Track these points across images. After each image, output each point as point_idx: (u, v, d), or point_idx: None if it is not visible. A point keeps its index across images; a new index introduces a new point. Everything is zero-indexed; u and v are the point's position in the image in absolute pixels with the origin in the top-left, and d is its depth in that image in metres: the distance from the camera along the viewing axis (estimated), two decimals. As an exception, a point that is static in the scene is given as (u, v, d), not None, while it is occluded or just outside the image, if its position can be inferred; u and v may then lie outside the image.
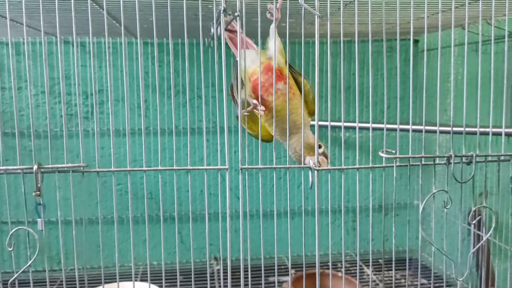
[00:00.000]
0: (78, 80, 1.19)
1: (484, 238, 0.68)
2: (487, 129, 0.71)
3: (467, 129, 0.71)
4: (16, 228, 0.71)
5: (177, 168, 0.72)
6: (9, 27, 0.67)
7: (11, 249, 0.70)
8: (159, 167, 0.72)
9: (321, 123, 0.76)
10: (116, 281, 0.79)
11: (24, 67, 1.18)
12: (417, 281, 1.07)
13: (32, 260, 0.71)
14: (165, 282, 0.80)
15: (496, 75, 0.76)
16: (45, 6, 0.68)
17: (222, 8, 0.69)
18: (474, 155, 0.68)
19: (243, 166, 0.71)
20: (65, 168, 0.69)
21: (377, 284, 1.17)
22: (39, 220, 0.71)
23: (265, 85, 0.76)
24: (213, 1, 0.70)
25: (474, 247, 0.71)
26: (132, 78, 1.24)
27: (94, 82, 0.67)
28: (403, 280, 1.19)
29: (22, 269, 0.71)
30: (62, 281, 0.74)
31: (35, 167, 0.68)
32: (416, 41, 1.31)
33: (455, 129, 0.72)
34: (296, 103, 0.77)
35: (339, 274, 1.06)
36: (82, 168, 0.70)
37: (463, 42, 0.75)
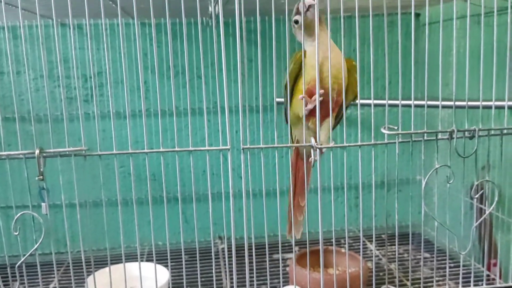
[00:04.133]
0: (77, 63, 1.18)
1: (487, 212, 0.69)
2: (489, 103, 0.71)
3: (469, 103, 0.70)
4: (21, 213, 0.71)
5: (178, 149, 0.72)
6: (4, 10, 0.67)
7: (16, 233, 0.70)
8: (161, 149, 0.72)
9: (330, 100, 0.76)
10: (122, 262, 0.80)
11: (22, 51, 1.17)
12: (420, 255, 1.08)
13: (38, 243, 0.71)
14: (171, 262, 0.81)
15: (499, 47, 0.75)
16: (40, -12, 0.67)
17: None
18: (476, 129, 0.68)
19: (245, 146, 0.71)
20: (67, 152, 0.69)
21: (380, 259, 1.18)
22: (43, 204, 0.72)
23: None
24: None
25: (476, 221, 0.72)
26: (131, 59, 1.23)
27: (92, 65, 0.66)
28: (406, 255, 1.20)
29: (29, 252, 0.72)
30: (69, 263, 0.75)
31: (37, 151, 0.68)
32: (418, 15, 1.29)
33: (457, 103, 0.71)
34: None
35: (343, 250, 1.07)
36: (84, 151, 0.70)
37: (466, 14, 0.74)
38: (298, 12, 0.80)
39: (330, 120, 0.77)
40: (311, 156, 0.73)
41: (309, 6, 0.76)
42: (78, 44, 1.22)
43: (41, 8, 0.72)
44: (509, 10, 0.72)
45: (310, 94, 0.78)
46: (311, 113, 0.79)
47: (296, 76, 0.82)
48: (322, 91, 0.75)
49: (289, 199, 0.89)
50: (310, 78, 0.79)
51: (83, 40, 1.22)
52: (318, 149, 0.71)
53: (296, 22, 0.81)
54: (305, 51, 0.78)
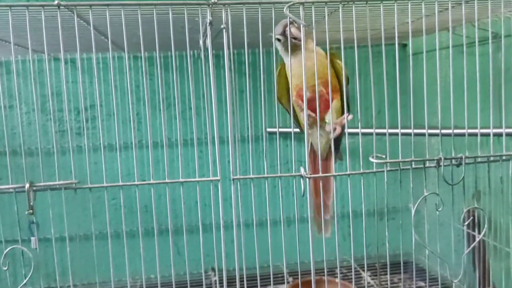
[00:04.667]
0: (69, 97, 1.19)
1: (477, 240, 0.69)
2: (475, 130, 0.72)
3: (455, 130, 0.72)
4: (10, 248, 0.71)
5: (169, 181, 0.72)
6: (-4, 47, 0.68)
7: (6, 268, 0.70)
8: (152, 181, 0.72)
9: (318, 130, 0.77)
10: (113, 297, 0.79)
11: (14, 86, 1.18)
12: (414, 284, 1.07)
13: (27, 278, 0.70)
14: (163, 296, 0.80)
15: (484, 76, 0.76)
16: (33, 25, 0.68)
17: (209, 21, 0.69)
18: (463, 157, 0.69)
19: (235, 177, 0.71)
20: (57, 186, 0.69)
21: (375, 289, 1.17)
22: (32, 238, 0.71)
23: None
24: (199, 14, 0.71)
25: (471, 248, 0.72)
26: (123, 92, 1.25)
27: (85, 98, 0.67)
28: (400, 284, 1.19)
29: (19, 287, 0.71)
30: (59, 299, 0.74)
31: (27, 185, 0.68)
32: (404, 45, 1.32)
33: (444, 131, 0.72)
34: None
35: (336, 280, 1.06)
36: (74, 184, 0.70)
37: (452, 44, 0.76)
38: (282, 32, 0.82)
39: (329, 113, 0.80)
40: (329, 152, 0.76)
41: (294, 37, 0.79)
42: (71, 78, 1.23)
43: (34, 44, 0.73)
44: (490, 40, 0.74)
45: (302, 98, 0.82)
46: (313, 111, 0.81)
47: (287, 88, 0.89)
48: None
49: (314, 199, 0.89)
50: (294, 87, 0.84)
51: (75, 73, 1.24)
52: (308, 178, 0.71)
53: (279, 40, 0.84)
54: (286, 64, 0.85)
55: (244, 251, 0.74)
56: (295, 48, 0.81)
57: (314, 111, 0.77)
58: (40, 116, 1.17)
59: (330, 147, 0.85)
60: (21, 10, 0.66)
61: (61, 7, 0.66)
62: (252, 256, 0.75)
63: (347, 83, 0.85)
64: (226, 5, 0.69)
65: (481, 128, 0.72)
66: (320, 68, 0.78)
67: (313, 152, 0.91)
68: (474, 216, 0.79)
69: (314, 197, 0.87)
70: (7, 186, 0.69)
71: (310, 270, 0.75)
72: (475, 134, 0.72)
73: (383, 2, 0.70)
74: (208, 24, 0.69)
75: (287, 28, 0.80)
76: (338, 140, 0.90)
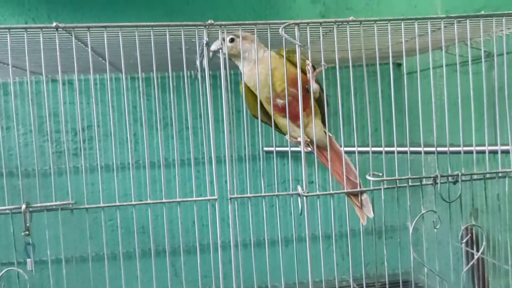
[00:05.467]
0: (66, 118, 1.20)
1: (475, 257, 0.69)
2: (471, 148, 0.72)
3: (451, 148, 0.72)
4: (5, 270, 0.70)
5: (166, 201, 0.72)
6: (-5, 68, 0.68)
7: (0, 291, 0.69)
8: (148, 201, 0.72)
9: (315, 149, 0.77)
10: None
11: (12, 107, 1.19)
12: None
13: (22, 302, 0.69)
14: (159, 318, 0.79)
15: (478, 94, 0.77)
16: (31, 47, 0.69)
17: (205, 42, 0.70)
18: (459, 174, 0.69)
19: (232, 196, 0.71)
20: (54, 207, 0.69)
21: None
22: (28, 260, 0.70)
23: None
24: (195, 35, 0.72)
25: (469, 266, 0.71)
26: (120, 113, 1.25)
27: (82, 119, 0.67)
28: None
29: (13, 312, 0.70)
30: (54, 322, 0.73)
31: (23, 206, 0.68)
32: (399, 65, 1.33)
33: (440, 149, 0.73)
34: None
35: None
36: (71, 205, 0.70)
37: (446, 63, 0.77)
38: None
39: (299, 116, 0.76)
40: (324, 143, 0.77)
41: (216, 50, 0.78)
42: (68, 99, 1.24)
43: (32, 65, 0.74)
44: (482, 59, 0.75)
45: (277, 106, 0.81)
46: (290, 116, 0.81)
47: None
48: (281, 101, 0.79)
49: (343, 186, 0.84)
50: (265, 99, 0.82)
51: (73, 95, 1.24)
52: (305, 197, 0.71)
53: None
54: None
55: (242, 271, 0.74)
56: (242, 59, 0.81)
57: (297, 115, 0.77)
58: (37, 137, 1.17)
59: (325, 132, 0.83)
60: (19, 32, 0.67)
61: (59, 29, 0.66)
62: (250, 277, 0.74)
63: (314, 69, 0.82)
64: (223, 26, 0.70)
65: (477, 145, 0.72)
66: (281, 71, 0.76)
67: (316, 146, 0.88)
68: (472, 233, 0.79)
69: (334, 172, 0.83)
70: (3, 208, 0.68)
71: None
72: (471, 152, 0.72)
73: (377, 22, 0.71)
74: (204, 45, 0.70)
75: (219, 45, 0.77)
76: (321, 102, 0.85)
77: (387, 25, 0.72)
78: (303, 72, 0.78)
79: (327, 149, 0.78)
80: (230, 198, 0.71)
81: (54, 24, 0.66)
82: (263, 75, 0.78)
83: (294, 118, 0.82)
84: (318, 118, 0.84)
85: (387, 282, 0.75)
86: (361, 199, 0.79)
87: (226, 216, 1.12)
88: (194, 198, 0.72)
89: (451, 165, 0.72)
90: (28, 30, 0.67)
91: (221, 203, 0.72)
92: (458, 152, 0.73)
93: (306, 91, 0.78)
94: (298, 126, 0.81)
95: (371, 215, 0.81)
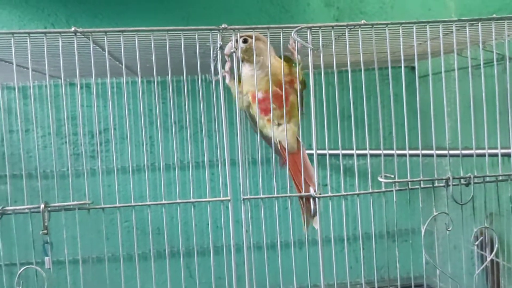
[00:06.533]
0: (83, 121, 1.22)
1: (488, 260, 0.68)
2: (483, 151, 0.72)
3: (464, 151, 0.72)
4: (24, 267, 0.72)
5: (181, 201, 0.73)
6: (15, 72, 0.70)
7: (19, 288, 0.71)
8: (163, 201, 0.73)
9: (327, 151, 0.78)
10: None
11: (31, 110, 1.21)
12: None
13: (40, 299, 0.71)
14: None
15: (491, 97, 0.77)
16: (50, 51, 0.71)
17: (219, 46, 0.71)
18: (472, 176, 0.69)
19: (245, 197, 0.72)
20: (71, 206, 0.70)
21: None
22: (46, 258, 0.72)
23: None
24: (210, 39, 0.73)
25: (483, 269, 0.71)
26: (136, 116, 1.27)
27: (99, 122, 0.69)
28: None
29: (31, 309, 0.72)
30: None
31: (42, 205, 0.69)
32: (412, 68, 1.33)
33: (452, 152, 0.73)
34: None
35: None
36: (88, 205, 0.71)
37: (459, 66, 0.77)
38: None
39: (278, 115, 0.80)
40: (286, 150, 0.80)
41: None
42: (86, 102, 1.26)
43: (51, 69, 0.76)
44: (495, 62, 0.75)
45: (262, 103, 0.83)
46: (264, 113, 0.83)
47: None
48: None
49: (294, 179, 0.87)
50: (251, 93, 0.84)
51: (90, 98, 1.27)
52: (317, 199, 0.72)
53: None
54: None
55: (255, 273, 0.75)
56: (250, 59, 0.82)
57: (267, 109, 0.79)
58: (55, 139, 1.20)
59: (297, 140, 0.85)
60: (39, 36, 0.69)
61: (77, 34, 0.68)
62: (263, 279, 0.75)
63: (303, 85, 0.85)
64: (236, 30, 0.72)
65: (489, 148, 0.72)
66: (274, 71, 0.79)
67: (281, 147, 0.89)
68: (485, 236, 0.79)
69: (294, 177, 0.85)
70: (22, 207, 0.70)
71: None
72: (483, 155, 0.72)
73: (389, 25, 0.71)
74: (218, 49, 0.71)
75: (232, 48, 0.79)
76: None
77: (399, 29, 0.72)
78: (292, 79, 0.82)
79: (293, 153, 0.79)
80: (243, 199, 0.72)
81: (73, 28, 0.68)
82: (263, 73, 0.80)
83: (265, 112, 0.83)
84: (293, 123, 0.86)
85: (399, 286, 0.75)
86: (314, 208, 0.81)
87: (240, 218, 1.13)
88: (208, 199, 0.73)
89: (463, 168, 0.72)
90: (47, 34, 0.69)
91: (234, 204, 0.73)
92: (471, 155, 0.73)
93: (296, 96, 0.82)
94: (269, 122, 0.83)
95: (317, 226, 0.82)
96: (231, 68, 0.85)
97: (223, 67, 0.80)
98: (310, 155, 0.81)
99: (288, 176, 0.83)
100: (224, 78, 0.85)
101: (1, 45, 0.70)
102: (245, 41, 0.81)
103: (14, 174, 1.22)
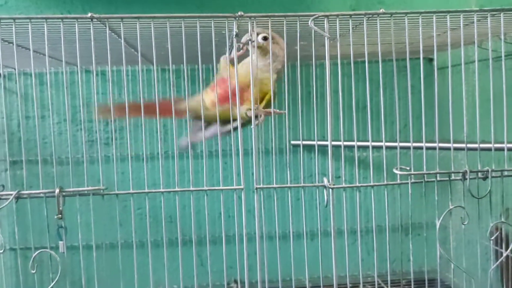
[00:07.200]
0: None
1: (504, 255, 0.67)
2: (502, 145, 0.71)
3: (482, 145, 0.71)
4: (38, 251, 0.73)
5: (193, 189, 0.73)
6: (32, 58, 0.71)
7: (34, 271, 0.72)
8: (176, 189, 0.73)
9: (342, 143, 0.77)
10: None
11: (47, 97, 1.22)
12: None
13: (54, 282, 0.72)
14: (185, 305, 0.81)
15: (511, 90, 0.75)
16: (67, 37, 0.71)
17: (235, 34, 0.71)
18: (489, 170, 0.68)
19: (258, 186, 0.72)
20: (86, 192, 0.71)
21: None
22: (60, 242, 0.73)
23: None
24: (226, 26, 0.72)
25: (497, 264, 0.70)
26: (151, 104, 1.27)
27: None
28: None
29: (46, 291, 0.73)
30: (84, 305, 0.76)
31: (57, 190, 0.70)
32: (430, 60, 1.31)
33: (470, 145, 0.71)
34: None
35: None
36: (102, 191, 0.72)
37: (479, 58, 0.76)
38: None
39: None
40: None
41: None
42: (101, 89, 1.27)
43: (67, 56, 0.76)
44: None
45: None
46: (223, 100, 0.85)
47: None
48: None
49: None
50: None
51: (105, 85, 1.27)
52: (330, 189, 0.71)
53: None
54: None
55: (266, 263, 0.75)
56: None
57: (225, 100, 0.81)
58: (70, 126, 1.21)
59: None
60: (56, 22, 0.69)
61: (94, 20, 0.68)
62: (275, 269, 0.75)
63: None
64: (252, 18, 0.71)
65: (508, 142, 0.71)
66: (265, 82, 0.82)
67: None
68: (501, 231, 0.78)
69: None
70: (38, 191, 0.71)
71: (333, 285, 0.75)
72: (502, 149, 0.71)
73: (408, 15, 0.70)
74: (234, 37, 0.71)
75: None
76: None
77: (418, 18, 0.71)
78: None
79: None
80: (256, 188, 0.72)
81: (89, 14, 0.68)
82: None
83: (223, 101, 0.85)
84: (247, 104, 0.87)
85: (412, 280, 0.75)
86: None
87: (252, 207, 1.13)
88: (221, 187, 0.73)
89: (481, 162, 0.71)
90: (64, 20, 0.69)
91: (247, 193, 0.73)
92: (489, 149, 0.72)
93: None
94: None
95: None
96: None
97: (232, 53, 0.80)
98: (325, 146, 0.81)
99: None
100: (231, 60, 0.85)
101: (19, 30, 0.70)
102: (265, 38, 0.81)
103: (29, 159, 1.23)
